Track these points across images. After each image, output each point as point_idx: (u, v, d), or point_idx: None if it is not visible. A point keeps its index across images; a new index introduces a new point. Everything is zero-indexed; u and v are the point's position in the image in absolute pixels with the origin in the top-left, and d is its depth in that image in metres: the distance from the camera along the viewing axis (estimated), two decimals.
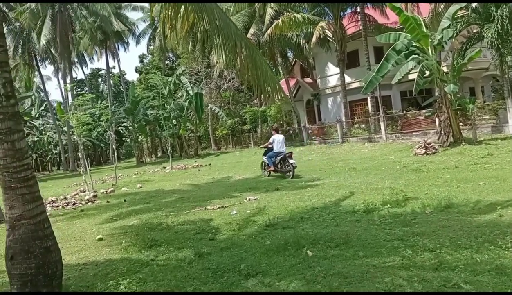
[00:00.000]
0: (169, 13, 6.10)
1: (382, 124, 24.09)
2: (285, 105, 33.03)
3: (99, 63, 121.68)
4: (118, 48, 50.24)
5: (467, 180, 9.34)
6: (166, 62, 51.46)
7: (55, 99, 59.60)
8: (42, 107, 54.68)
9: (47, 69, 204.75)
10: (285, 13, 26.75)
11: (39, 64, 44.47)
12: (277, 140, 14.02)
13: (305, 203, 8.72)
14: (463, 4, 17.34)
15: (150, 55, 57.30)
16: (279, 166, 14.00)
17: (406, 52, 16.50)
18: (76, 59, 51.72)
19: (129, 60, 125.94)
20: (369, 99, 26.98)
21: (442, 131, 16.83)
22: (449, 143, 16.41)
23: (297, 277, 4.51)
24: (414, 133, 22.20)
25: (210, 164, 24.12)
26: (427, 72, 16.80)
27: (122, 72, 58.30)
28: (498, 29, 16.43)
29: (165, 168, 24.39)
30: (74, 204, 12.80)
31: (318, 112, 34.87)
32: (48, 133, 51.87)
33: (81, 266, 5.95)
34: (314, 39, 25.74)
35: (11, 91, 4.68)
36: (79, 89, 58.24)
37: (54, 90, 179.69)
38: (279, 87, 6.62)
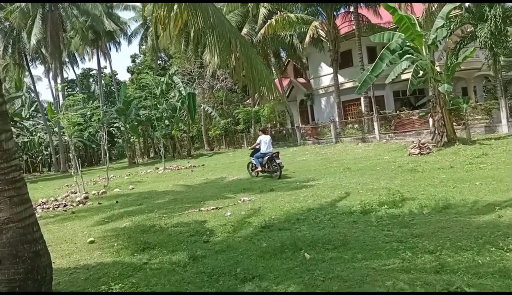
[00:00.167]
0: (162, 12, 5.96)
1: (375, 124, 24.08)
2: (278, 105, 32.95)
3: (90, 63, 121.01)
4: (110, 48, 49.97)
5: (463, 180, 9.28)
6: (159, 62, 51.19)
7: (46, 100, 59.17)
8: (33, 108, 54.22)
9: (38, 69, 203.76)
10: (279, 13, 26.70)
11: (30, 64, 44.09)
12: (264, 141, 14.29)
13: (300, 204, 8.61)
14: (457, 4, 17.35)
15: (142, 55, 56.98)
16: (266, 166, 14.25)
17: (400, 51, 16.46)
18: (67, 59, 51.23)
19: (121, 60, 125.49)
20: (362, 99, 26.97)
21: (436, 131, 16.80)
22: (443, 143, 16.39)
23: (295, 281, 4.38)
24: (407, 133, 22.21)
25: (203, 165, 23.94)
26: (421, 72, 16.78)
27: (113, 72, 57.89)
28: (491, 29, 16.48)
29: (157, 168, 24.19)
30: (65, 205, 12.60)
31: (311, 112, 34.83)
32: (38, 134, 51.37)
33: (71, 270, 5.78)
34: (307, 39, 25.71)
35: None
36: (70, 90, 57.82)
37: (45, 91, 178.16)
38: (274, 86, 6.50)
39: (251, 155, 15.00)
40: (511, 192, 7.42)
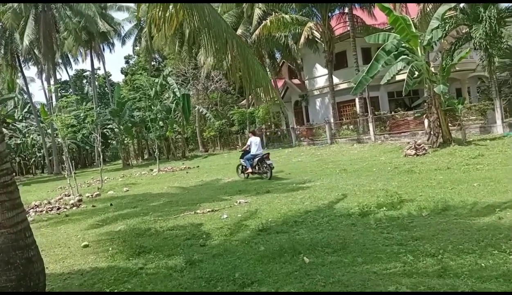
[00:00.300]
0: (157, 12, 5.85)
1: (370, 125, 24.05)
2: (273, 106, 32.86)
3: (83, 64, 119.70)
4: (103, 49, 49.57)
5: (460, 181, 9.23)
6: (153, 63, 50.91)
7: (39, 101, 58.52)
8: (26, 109, 53.78)
9: (31, 71, 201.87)
10: (273, 14, 26.59)
11: (22, 65, 43.76)
12: (254, 143, 14.49)
13: (297, 206, 8.51)
14: (452, 5, 17.35)
15: (136, 56, 56.67)
16: (257, 168, 14.38)
17: (396, 52, 16.41)
18: (60, 60, 50.82)
19: (115, 61, 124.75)
20: (357, 100, 26.97)
21: (432, 132, 16.77)
22: (439, 144, 16.36)
23: (295, 286, 4.28)
24: (402, 134, 22.20)
25: (198, 166, 23.80)
26: (417, 73, 16.75)
27: (107, 73, 57.55)
28: (486, 30, 16.49)
29: (152, 170, 24.02)
30: (58, 208, 12.41)
31: (306, 113, 34.78)
32: (31, 136, 50.95)
33: (65, 276, 5.65)
34: (302, 40, 25.63)
35: None
36: (63, 91, 57.33)
37: (38, 92, 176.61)
38: (271, 87, 6.41)
39: (241, 157, 15.13)
40: (510, 193, 7.36)
